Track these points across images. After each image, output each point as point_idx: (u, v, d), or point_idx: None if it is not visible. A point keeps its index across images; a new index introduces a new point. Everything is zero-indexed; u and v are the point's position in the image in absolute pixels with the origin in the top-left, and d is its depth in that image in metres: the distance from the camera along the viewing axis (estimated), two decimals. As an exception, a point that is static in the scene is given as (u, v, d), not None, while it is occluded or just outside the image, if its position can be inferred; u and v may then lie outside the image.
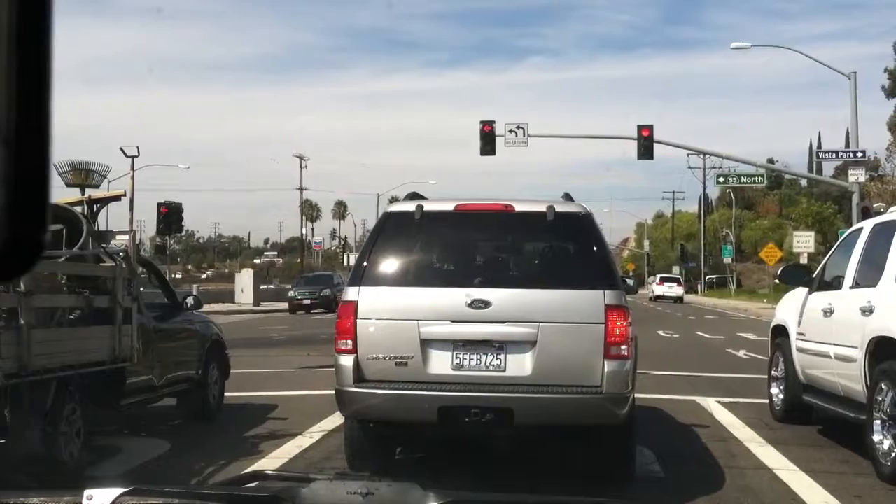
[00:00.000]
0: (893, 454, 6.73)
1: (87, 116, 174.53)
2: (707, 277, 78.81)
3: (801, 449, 8.15)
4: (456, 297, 6.55)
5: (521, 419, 6.36)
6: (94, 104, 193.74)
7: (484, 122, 34.03)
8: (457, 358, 6.54)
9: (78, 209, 8.47)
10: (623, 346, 6.40)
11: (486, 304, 6.49)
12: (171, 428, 8.86)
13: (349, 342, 6.61)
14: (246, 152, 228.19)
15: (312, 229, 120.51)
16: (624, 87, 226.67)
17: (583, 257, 6.99)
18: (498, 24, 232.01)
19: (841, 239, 9.84)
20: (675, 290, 60.31)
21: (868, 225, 8.69)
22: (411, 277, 6.84)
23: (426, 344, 6.54)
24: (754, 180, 39.43)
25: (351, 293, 6.73)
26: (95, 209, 9.37)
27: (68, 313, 7.60)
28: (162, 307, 9.71)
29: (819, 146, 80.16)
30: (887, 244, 7.62)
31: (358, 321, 6.60)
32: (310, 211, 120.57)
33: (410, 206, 7.04)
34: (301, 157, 72.99)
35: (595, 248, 6.91)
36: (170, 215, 39.28)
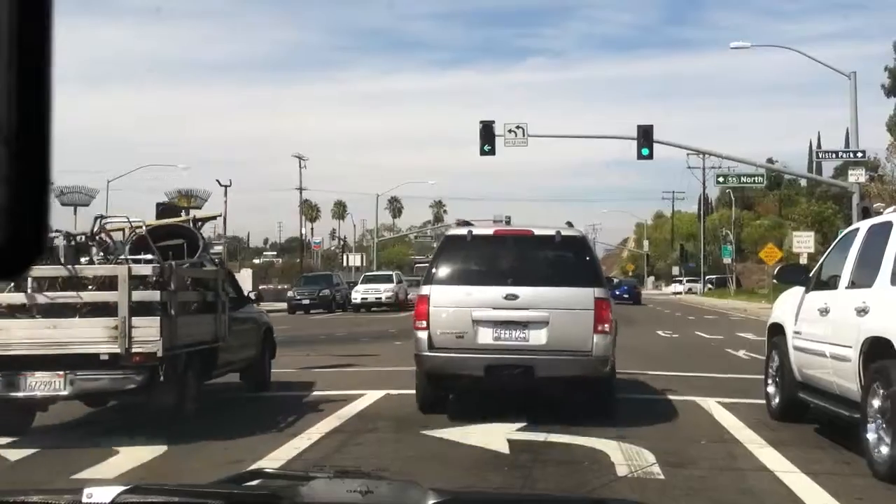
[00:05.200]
0: (887, 452, 6.86)
1: (87, 116, 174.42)
2: (706, 277, 78.76)
3: (801, 450, 8.09)
4: (496, 293, 9.67)
5: (539, 373, 9.49)
6: (94, 104, 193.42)
7: (483, 122, 34.02)
8: (496, 333, 9.65)
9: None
10: (606, 325, 9.52)
11: (516, 297, 9.62)
12: (166, 429, 8.77)
13: (424, 322, 9.75)
14: (246, 152, 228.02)
15: (312, 229, 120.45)
16: (624, 87, 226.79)
17: (580, 266, 10.09)
18: (499, 24, 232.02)
19: (838, 239, 10.02)
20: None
21: (865, 226, 8.86)
22: (465, 279, 10.02)
23: (476, 323, 9.67)
24: (754, 180, 39.35)
25: (425, 290, 9.99)
26: (199, 226, 11.59)
27: (192, 305, 9.88)
28: (232, 300, 11.30)
29: (819, 146, 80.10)
30: (883, 245, 7.77)
31: (430, 308, 9.76)
32: (309, 211, 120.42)
33: (463, 231, 10.42)
34: (300, 158, 72.85)
35: (588, 259, 10.30)
36: (168, 216, 39.33)
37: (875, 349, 7.27)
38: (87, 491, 2.04)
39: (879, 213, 9.01)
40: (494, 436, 8.53)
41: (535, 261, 10.34)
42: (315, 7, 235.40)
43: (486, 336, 9.66)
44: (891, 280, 7.44)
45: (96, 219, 10.19)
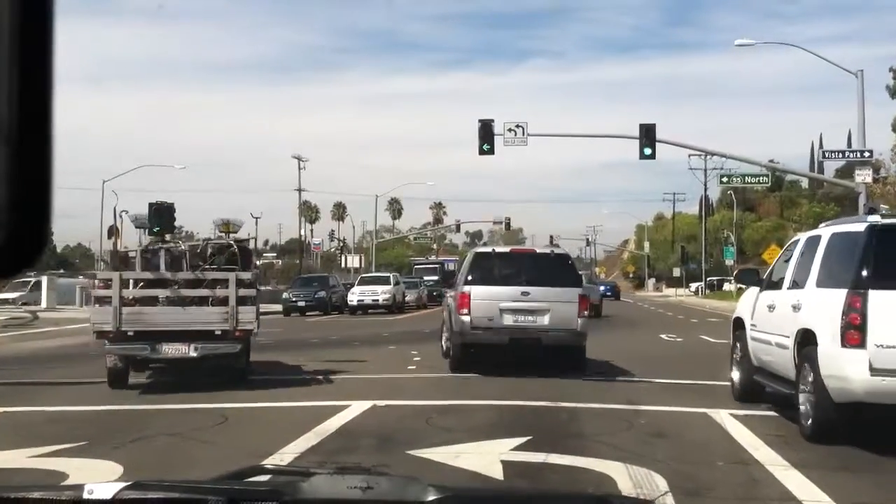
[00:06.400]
0: (811, 419, 8.76)
1: (87, 116, 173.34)
2: (707, 279, 77.84)
3: (831, 474, 7.25)
4: (514, 290, 14.61)
5: (544, 343, 14.50)
6: (94, 104, 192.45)
7: (482, 121, 33.18)
8: (515, 317, 14.51)
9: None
10: (585, 312, 14.83)
11: (528, 294, 14.57)
12: (122, 446, 7.94)
13: (466, 310, 14.51)
14: (246, 153, 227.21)
15: (312, 231, 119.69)
16: (625, 89, 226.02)
17: (567, 273, 15.17)
18: (499, 25, 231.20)
19: (785, 247, 11.85)
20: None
21: (804, 237, 10.83)
22: (493, 281, 14.75)
23: (501, 311, 14.47)
24: (759, 180, 38.52)
25: (466, 288, 14.68)
26: (250, 245, 15.06)
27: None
28: None
29: (821, 148, 79.16)
30: (814, 254, 9.67)
31: (472, 301, 14.50)
32: (309, 212, 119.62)
33: (488, 249, 16.23)
34: (299, 159, 71.85)
35: (572, 269, 15.67)
36: (161, 215, 38.40)
37: (805, 338, 9.11)
38: (87, 487, 2.05)
39: (882, 215, 9.28)
40: (487, 457, 7.69)
41: (539, 269, 15.03)
42: (316, 8, 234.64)
43: (508, 319, 14.57)
44: (816, 283, 9.32)
45: (205, 240, 14.39)
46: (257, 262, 16.48)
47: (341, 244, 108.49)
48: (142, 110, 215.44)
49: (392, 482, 2.25)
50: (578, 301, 14.62)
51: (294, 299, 42.56)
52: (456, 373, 14.49)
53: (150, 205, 43.28)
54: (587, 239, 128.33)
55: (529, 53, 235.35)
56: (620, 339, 24.16)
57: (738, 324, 11.98)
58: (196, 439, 8.79)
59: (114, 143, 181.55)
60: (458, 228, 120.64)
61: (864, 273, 8.42)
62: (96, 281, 14.43)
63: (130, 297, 12.94)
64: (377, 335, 24.69)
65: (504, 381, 13.59)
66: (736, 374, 11.73)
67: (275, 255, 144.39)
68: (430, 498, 2.02)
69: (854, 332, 8.23)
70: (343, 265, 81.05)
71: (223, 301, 12.91)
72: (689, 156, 70.11)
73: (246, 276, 13.26)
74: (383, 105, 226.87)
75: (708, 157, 69.62)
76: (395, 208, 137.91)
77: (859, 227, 8.95)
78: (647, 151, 32.19)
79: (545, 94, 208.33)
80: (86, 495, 2.03)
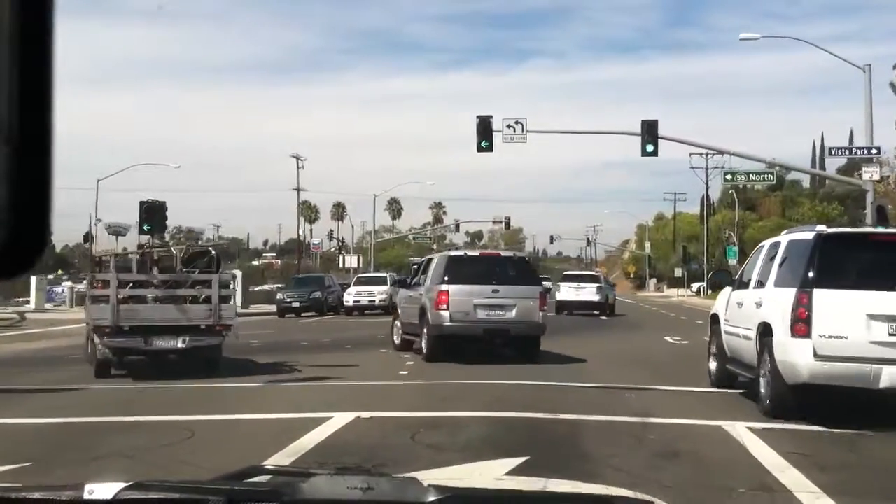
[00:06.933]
0: (769, 399, 10.21)
1: (87, 116, 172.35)
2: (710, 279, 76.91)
3: (866, 501, 6.36)
4: (486, 288, 16.69)
5: (512, 333, 16.79)
6: (94, 104, 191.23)
7: (480, 117, 32.27)
8: (487, 312, 16.63)
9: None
10: (544, 307, 17.35)
11: (498, 291, 16.72)
12: (69, 468, 7.05)
13: (445, 306, 16.40)
14: (245, 153, 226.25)
15: (311, 230, 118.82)
16: (626, 89, 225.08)
17: (528, 274, 17.88)
18: (500, 26, 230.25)
19: (754, 251, 13.08)
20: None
21: (768, 242, 12.28)
22: (467, 280, 16.76)
23: (475, 307, 16.54)
24: (763, 178, 37.56)
25: (444, 286, 16.59)
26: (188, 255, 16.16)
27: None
28: None
29: (822, 147, 78.29)
30: (774, 257, 11.14)
31: (450, 298, 16.41)
32: (309, 212, 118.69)
33: (461, 253, 19.71)
34: (297, 158, 70.85)
35: (533, 271, 18.98)
36: (152, 214, 37.43)
37: (764, 330, 10.46)
38: (88, 487, 2.05)
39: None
40: (479, 480, 6.79)
41: (505, 270, 17.35)
42: (316, 8, 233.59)
43: (482, 314, 16.69)
44: (774, 283, 10.71)
45: (187, 245, 17.12)
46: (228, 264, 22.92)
47: (340, 244, 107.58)
48: (142, 110, 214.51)
49: (392, 483, 2.28)
50: (539, 298, 17.11)
51: (289, 300, 41.69)
52: (432, 362, 16.32)
53: (142, 203, 42.22)
54: (587, 238, 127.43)
55: (530, 54, 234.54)
56: (623, 341, 23.27)
57: (714, 319, 13.61)
58: (153, 462, 7.75)
59: (114, 144, 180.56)
60: (457, 228, 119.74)
61: (811, 275, 9.81)
62: (94, 281, 15.61)
63: (122, 296, 14.36)
64: (371, 337, 23.76)
65: (498, 386, 12.71)
66: (713, 364, 13.22)
67: (274, 255, 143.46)
68: (431, 499, 2.00)
69: (801, 324, 9.65)
70: (341, 265, 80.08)
71: (207, 299, 14.67)
72: (691, 154, 69.41)
73: (226, 277, 15.37)
74: (385, 105, 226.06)
75: (709, 156, 68.90)
76: (395, 208, 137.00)
77: (809, 235, 10.37)
78: (650, 148, 31.22)
79: (546, 95, 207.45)
80: (86, 495, 2.03)
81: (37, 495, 2.13)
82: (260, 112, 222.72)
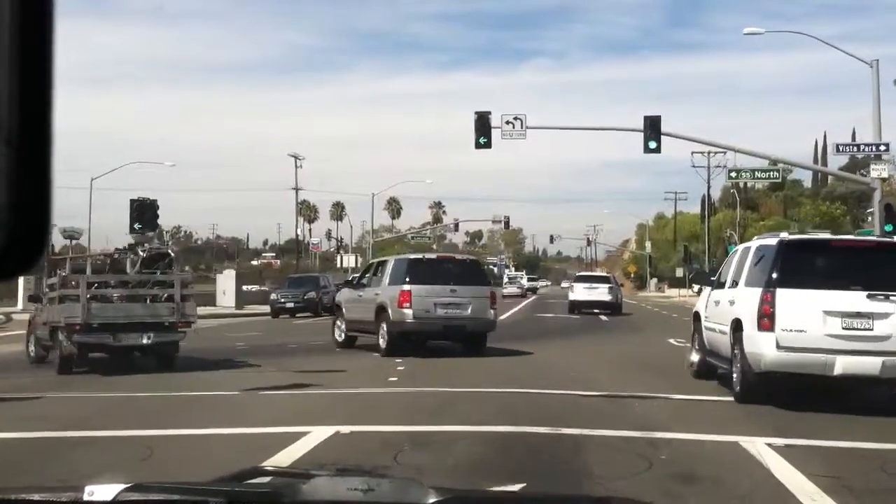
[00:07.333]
0: (739, 386, 11.40)
1: (87, 116, 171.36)
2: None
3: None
4: (444, 288, 18.43)
5: (468, 329, 18.69)
6: (94, 104, 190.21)
7: (478, 113, 31.38)
8: (446, 310, 18.29)
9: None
10: (495, 304, 19.55)
11: (455, 291, 18.45)
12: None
13: (408, 303, 17.85)
14: (245, 153, 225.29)
15: (310, 230, 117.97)
16: (626, 89, 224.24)
17: (480, 275, 20.43)
18: (500, 26, 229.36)
19: (730, 253, 14.74)
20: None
21: (741, 247, 13.79)
22: (427, 281, 18.33)
23: (435, 305, 18.16)
24: (769, 175, 36.63)
25: (406, 287, 18.04)
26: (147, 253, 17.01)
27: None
28: None
29: (825, 146, 77.42)
30: (746, 260, 12.36)
31: (412, 297, 17.90)
32: (308, 212, 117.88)
33: (420, 256, 20.67)
34: (296, 157, 69.83)
35: (484, 272, 22.33)
36: (143, 212, 36.55)
37: (737, 325, 11.59)
38: (88, 489, 2.04)
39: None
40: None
41: (460, 272, 19.01)
42: (316, 8, 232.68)
43: (441, 311, 18.14)
44: (745, 283, 11.91)
45: (150, 248, 17.01)
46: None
47: (339, 244, 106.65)
48: (142, 110, 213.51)
49: (392, 484, 2.30)
50: (490, 296, 18.89)
51: (282, 300, 40.83)
52: (391, 356, 17.39)
53: (132, 201, 41.24)
54: (588, 238, 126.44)
55: (530, 53, 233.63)
56: (625, 343, 22.38)
57: (697, 317, 14.77)
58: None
59: (114, 143, 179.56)
60: (456, 228, 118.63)
61: (774, 276, 11.06)
62: (66, 281, 16.06)
63: (89, 295, 15.29)
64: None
65: (494, 395, 11.81)
66: (695, 357, 14.33)
67: (273, 254, 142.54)
68: (431, 500, 1.98)
69: (766, 319, 10.88)
70: (339, 266, 79.12)
71: (170, 298, 15.77)
72: (692, 153, 68.48)
73: (188, 277, 16.69)
74: (385, 105, 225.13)
75: (711, 154, 67.93)
76: (395, 208, 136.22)
77: (773, 240, 11.83)
78: (652, 145, 30.34)
79: (546, 95, 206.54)
80: (86, 497, 2.03)
81: (37, 496, 2.16)
82: (260, 112, 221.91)
